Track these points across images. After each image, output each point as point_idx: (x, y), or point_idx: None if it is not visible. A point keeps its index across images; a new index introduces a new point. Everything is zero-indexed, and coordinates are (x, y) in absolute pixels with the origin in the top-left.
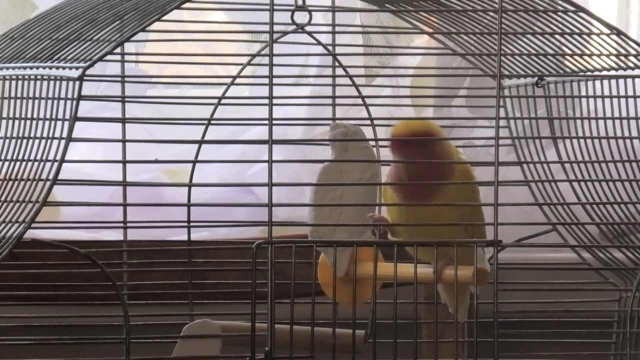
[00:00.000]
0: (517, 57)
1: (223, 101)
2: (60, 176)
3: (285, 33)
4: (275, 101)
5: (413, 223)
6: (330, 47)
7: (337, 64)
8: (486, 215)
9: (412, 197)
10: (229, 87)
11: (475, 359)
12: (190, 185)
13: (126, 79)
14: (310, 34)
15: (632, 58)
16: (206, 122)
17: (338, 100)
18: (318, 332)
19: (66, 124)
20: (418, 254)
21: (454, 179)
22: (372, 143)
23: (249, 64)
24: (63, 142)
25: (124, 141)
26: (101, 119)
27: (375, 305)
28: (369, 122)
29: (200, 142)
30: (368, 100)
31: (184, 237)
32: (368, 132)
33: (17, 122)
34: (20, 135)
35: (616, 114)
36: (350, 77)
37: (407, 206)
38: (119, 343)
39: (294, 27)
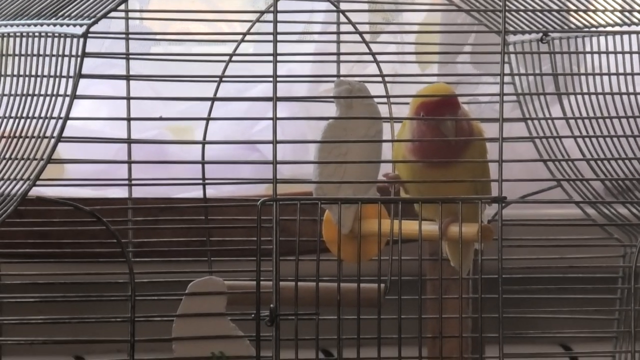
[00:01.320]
0: (521, 13)
1: (227, 59)
2: (65, 134)
3: None
4: (279, 58)
5: (423, 180)
6: (336, 3)
7: (342, 20)
8: (491, 172)
9: (437, 156)
10: (239, 44)
11: (480, 315)
12: (203, 142)
13: (130, 36)
14: None
15: (636, 14)
16: (211, 79)
17: (343, 57)
18: (325, 288)
19: (70, 81)
20: (426, 213)
21: (475, 141)
22: (378, 100)
23: (258, 20)
24: (67, 99)
25: (128, 98)
26: (106, 76)
27: (380, 262)
28: (373, 79)
29: (206, 99)
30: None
31: (189, 195)
32: (373, 89)
33: (21, 79)
34: (25, 92)
35: (621, 70)
36: (360, 33)
37: (421, 167)
38: (124, 300)
39: None
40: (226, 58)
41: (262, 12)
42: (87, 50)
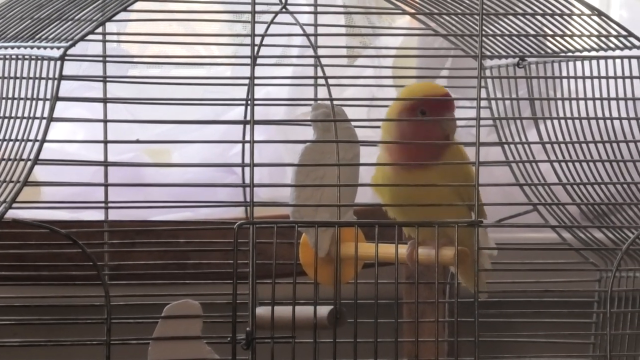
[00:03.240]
0: (498, 37)
1: (204, 81)
2: (42, 156)
3: (275, 17)
4: (257, 81)
5: (406, 204)
6: (311, 28)
7: (317, 44)
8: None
9: (418, 158)
10: (255, 66)
11: (456, 339)
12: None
13: (108, 58)
14: (292, 13)
15: (612, 39)
16: (188, 102)
17: (320, 81)
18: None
19: (47, 103)
20: (413, 233)
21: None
22: (355, 124)
23: (258, 45)
24: (44, 122)
25: (105, 121)
26: (82, 99)
27: (357, 286)
28: (350, 102)
29: (182, 122)
30: (350, 81)
31: (165, 218)
32: (350, 113)
33: None
34: (1, 115)
35: (597, 95)
36: (317, 57)
37: (400, 170)
38: (100, 323)
39: (276, 7)
40: (203, 81)
41: (258, 36)
42: (64, 72)
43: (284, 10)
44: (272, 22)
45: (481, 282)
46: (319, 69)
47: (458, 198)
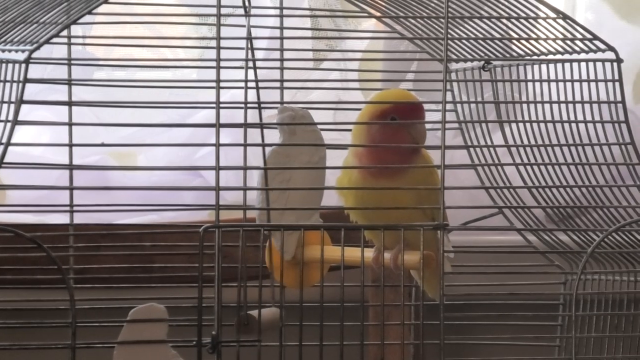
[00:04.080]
0: (464, 41)
1: (171, 84)
2: (7, 159)
3: (249, 20)
4: (222, 84)
5: (374, 207)
6: (277, 31)
7: (286, 46)
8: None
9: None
10: (247, 73)
11: (421, 342)
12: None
13: (73, 61)
14: (249, 16)
15: (578, 42)
16: (154, 105)
17: (286, 84)
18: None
19: (12, 106)
20: (374, 237)
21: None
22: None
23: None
24: (9, 125)
25: (70, 124)
26: (47, 102)
27: (322, 289)
28: (316, 105)
29: (148, 126)
30: (316, 84)
31: (131, 221)
32: (316, 116)
33: None
34: None
35: (562, 98)
36: (253, 60)
37: (368, 177)
38: (65, 327)
39: (241, 10)
40: (169, 84)
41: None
42: (29, 76)
43: (246, 14)
44: (242, 26)
45: (437, 285)
46: (284, 72)
47: (421, 212)
